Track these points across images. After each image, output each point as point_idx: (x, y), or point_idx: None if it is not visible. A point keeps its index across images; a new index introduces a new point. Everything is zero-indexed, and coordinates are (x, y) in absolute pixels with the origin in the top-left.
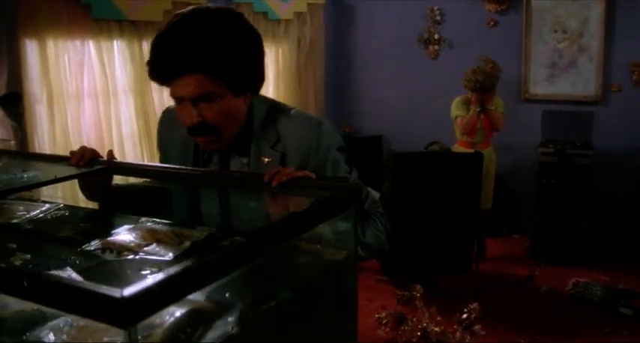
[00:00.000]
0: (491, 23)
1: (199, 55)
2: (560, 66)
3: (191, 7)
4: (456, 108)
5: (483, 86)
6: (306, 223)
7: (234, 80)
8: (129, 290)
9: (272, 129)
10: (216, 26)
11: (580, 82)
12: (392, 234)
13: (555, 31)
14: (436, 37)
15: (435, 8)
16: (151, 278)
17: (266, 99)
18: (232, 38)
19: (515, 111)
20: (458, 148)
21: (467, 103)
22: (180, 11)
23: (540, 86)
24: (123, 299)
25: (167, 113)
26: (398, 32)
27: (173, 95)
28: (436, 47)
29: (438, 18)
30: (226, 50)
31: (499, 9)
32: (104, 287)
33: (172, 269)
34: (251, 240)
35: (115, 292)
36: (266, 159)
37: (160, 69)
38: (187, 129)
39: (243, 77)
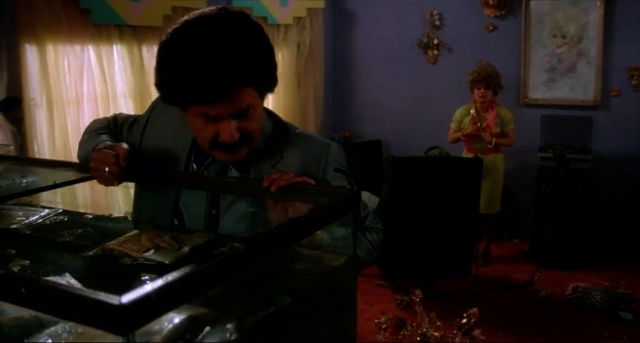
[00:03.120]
0: (490, 28)
1: (250, 68)
2: (559, 70)
3: (195, 15)
4: (453, 120)
5: (484, 79)
6: (305, 229)
7: (264, 86)
8: (127, 297)
9: (275, 149)
10: (236, 34)
11: (579, 86)
12: (383, 244)
13: (554, 36)
14: (435, 41)
15: (435, 13)
16: (150, 285)
17: (269, 113)
18: (255, 42)
19: (515, 116)
20: (466, 154)
21: (464, 115)
22: (186, 20)
23: (539, 91)
24: (121, 306)
25: (161, 102)
26: (397, 37)
27: (206, 114)
28: (435, 52)
29: (437, 23)
30: (255, 57)
31: (498, 14)
32: (102, 293)
33: (171, 276)
34: (250, 246)
35: (113, 299)
36: None
37: (203, 90)
38: (213, 145)
39: (270, 80)
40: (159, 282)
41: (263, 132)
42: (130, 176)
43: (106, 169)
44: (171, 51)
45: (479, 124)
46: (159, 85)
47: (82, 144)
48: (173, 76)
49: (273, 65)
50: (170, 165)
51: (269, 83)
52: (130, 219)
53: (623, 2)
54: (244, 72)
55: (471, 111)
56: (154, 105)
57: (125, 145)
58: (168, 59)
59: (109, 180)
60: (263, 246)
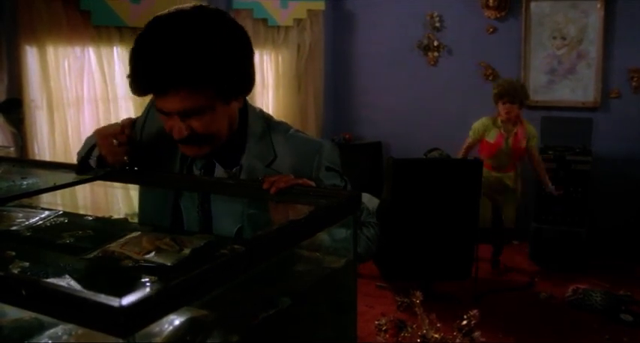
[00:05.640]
0: (491, 30)
1: (183, 70)
2: (560, 72)
3: (169, 11)
4: (472, 131)
5: (508, 93)
6: (305, 231)
7: (225, 89)
8: (127, 299)
9: (268, 148)
10: (199, 32)
11: (579, 88)
12: (379, 238)
13: (554, 38)
14: (435, 43)
15: (435, 15)
16: (150, 287)
17: (262, 114)
18: (218, 44)
19: None
20: (486, 171)
21: (486, 127)
22: (158, 14)
23: (539, 92)
24: (121, 308)
25: None
26: (397, 38)
27: (158, 109)
28: (435, 54)
29: (437, 24)
30: (213, 59)
31: (498, 15)
32: (102, 296)
33: (171, 278)
34: (250, 248)
35: (114, 301)
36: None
37: (140, 84)
38: (176, 140)
39: (233, 84)
40: (159, 284)
41: (254, 131)
42: (135, 150)
43: (114, 141)
44: (135, 42)
45: (506, 137)
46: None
47: (83, 146)
48: (130, 68)
49: (239, 70)
50: (166, 159)
51: (232, 86)
52: (130, 220)
53: (623, 4)
54: (192, 71)
55: (496, 126)
56: (151, 104)
57: (128, 118)
58: (131, 50)
59: (119, 154)
60: (263, 248)
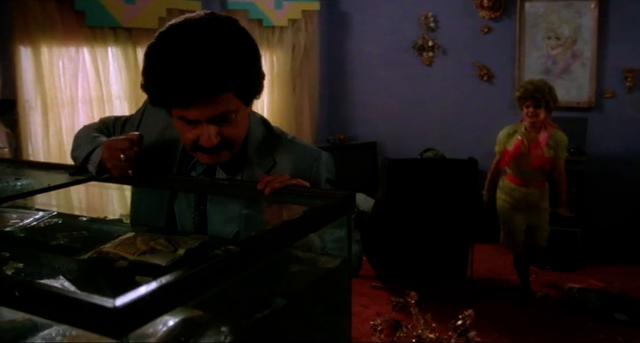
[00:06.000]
0: (485, 30)
1: (223, 76)
2: (554, 72)
3: (183, 19)
4: (497, 142)
5: (532, 96)
6: (299, 231)
7: (250, 93)
8: (121, 300)
9: (268, 156)
10: (224, 38)
11: (573, 88)
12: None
13: (549, 38)
14: (430, 43)
15: (429, 15)
16: (144, 288)
17: (263, 120)
18: (241, 47)
19: (509, 118)
20: (505, 182)
21: (510, 136)
22: (172, 24)
23: None
24: (115, 308)
25: None
26: (392, 39)
27: (184, 117)
28: (430, 54)
29: (432, 25)
30: (241, 63)
31: (493, 16)
32: (96, 296)
33: (165, 279)
34: (244, 249)
35: (108, 302)
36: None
37: (178, 94)
38: (194, 147)
39: (255, 86)
40: (153, 285)
41: (255, 138)
42: (142, 166)
43: (121, 156)
44: (153, 54)
45: (525, 143)
46: (143, 87)
47: (78, 147)
48: (154, 79)
49: (257, 72)
50: (163, 161)
51: (252, 90)
52: (124, 221)
53: (617, 4)
54: (223, 78)
55: (518, 133)
56: (147, 103)
57: (136, 132)
58: (150, 62)
59: (124, 169)
60: (257, 248)
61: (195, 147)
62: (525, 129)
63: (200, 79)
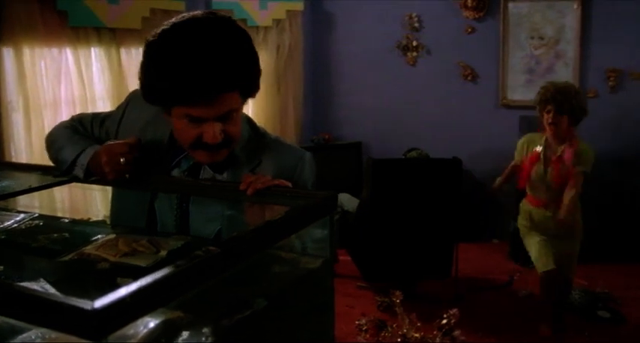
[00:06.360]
0: (469, 30)
1: (236, 73)
2: (538, 72)
3: (184, 19)
4: (516, 150)
5: (554, 99)
6: (281, 231)
7: (250, 92)
8: (100, 302)
9: (253, 155)
10: (229, 37)
11: None
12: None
13: (532, 38)
14: (414, 43)
15: (414, 15)
16: (124, 289)
17: (248, 119)
18: (243, 46)
19: (493, 117)
20: (526, 204)
21: (526, 146)
22: (174, 23)
23: (518, 92)
24: (94, 311)
25: (138, 94)
26: (376, 39)
27: (189, 115)
28: (414, 54)
29: (416, 25)
30: (247, 63)
31: (477, 16)
32: (74, 299)
33: (145, 280)
34: (226, 249)
35: (86, 304)
36: None
37: (190, 92)
38: (195, 145)
39: (256, 88)
40: (133, 286)
41: (242, 137)
42: (140, 168)
43: (121, 159)
44: (158, 52)
45: (541, 158)
46: (144, 85)
47: (60, 148)
48: (160, 77)
49: (257, 70)
50: (149, 156)
51: (253, 88)
52: (107, 223)
53: (600, 4)
54: (231, 76)
55: (538, 146)
56: (130, 98)
57: (134, 136)
58: (155, 60)
59: (121, 172)
60: (238, 249)
61: (197, 145)
62: (547, 140)
63: (211, 77)
